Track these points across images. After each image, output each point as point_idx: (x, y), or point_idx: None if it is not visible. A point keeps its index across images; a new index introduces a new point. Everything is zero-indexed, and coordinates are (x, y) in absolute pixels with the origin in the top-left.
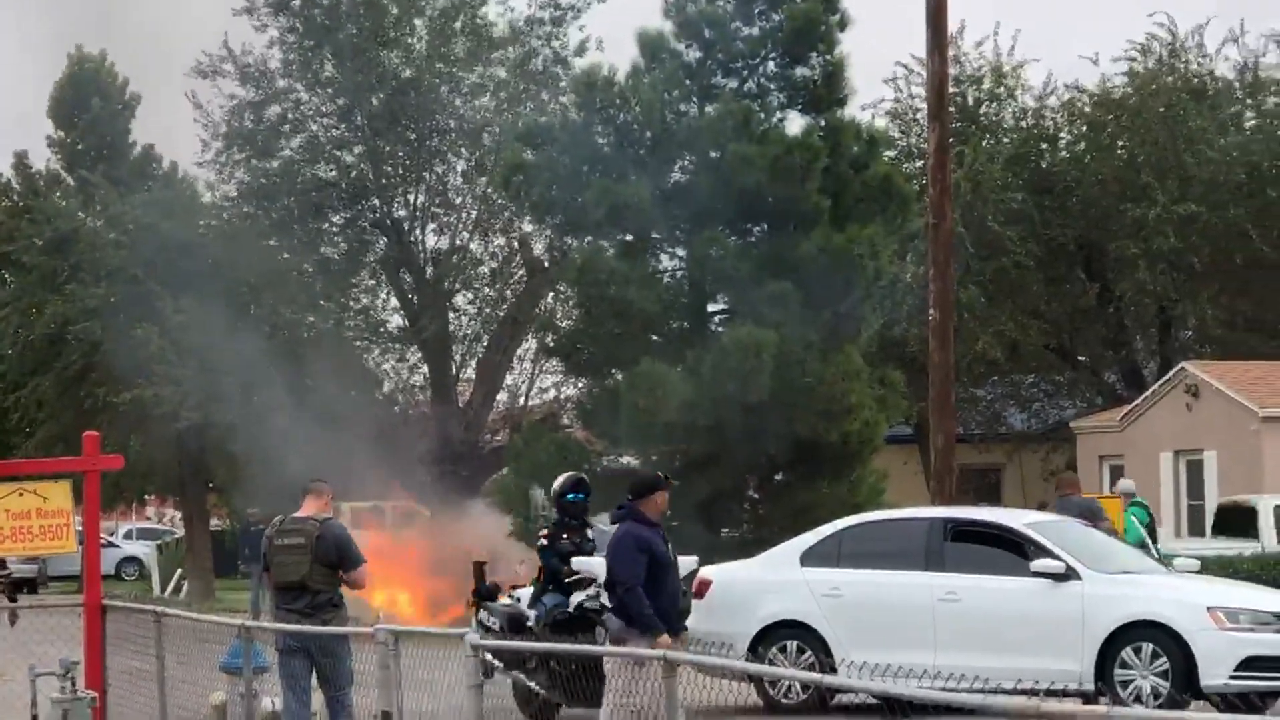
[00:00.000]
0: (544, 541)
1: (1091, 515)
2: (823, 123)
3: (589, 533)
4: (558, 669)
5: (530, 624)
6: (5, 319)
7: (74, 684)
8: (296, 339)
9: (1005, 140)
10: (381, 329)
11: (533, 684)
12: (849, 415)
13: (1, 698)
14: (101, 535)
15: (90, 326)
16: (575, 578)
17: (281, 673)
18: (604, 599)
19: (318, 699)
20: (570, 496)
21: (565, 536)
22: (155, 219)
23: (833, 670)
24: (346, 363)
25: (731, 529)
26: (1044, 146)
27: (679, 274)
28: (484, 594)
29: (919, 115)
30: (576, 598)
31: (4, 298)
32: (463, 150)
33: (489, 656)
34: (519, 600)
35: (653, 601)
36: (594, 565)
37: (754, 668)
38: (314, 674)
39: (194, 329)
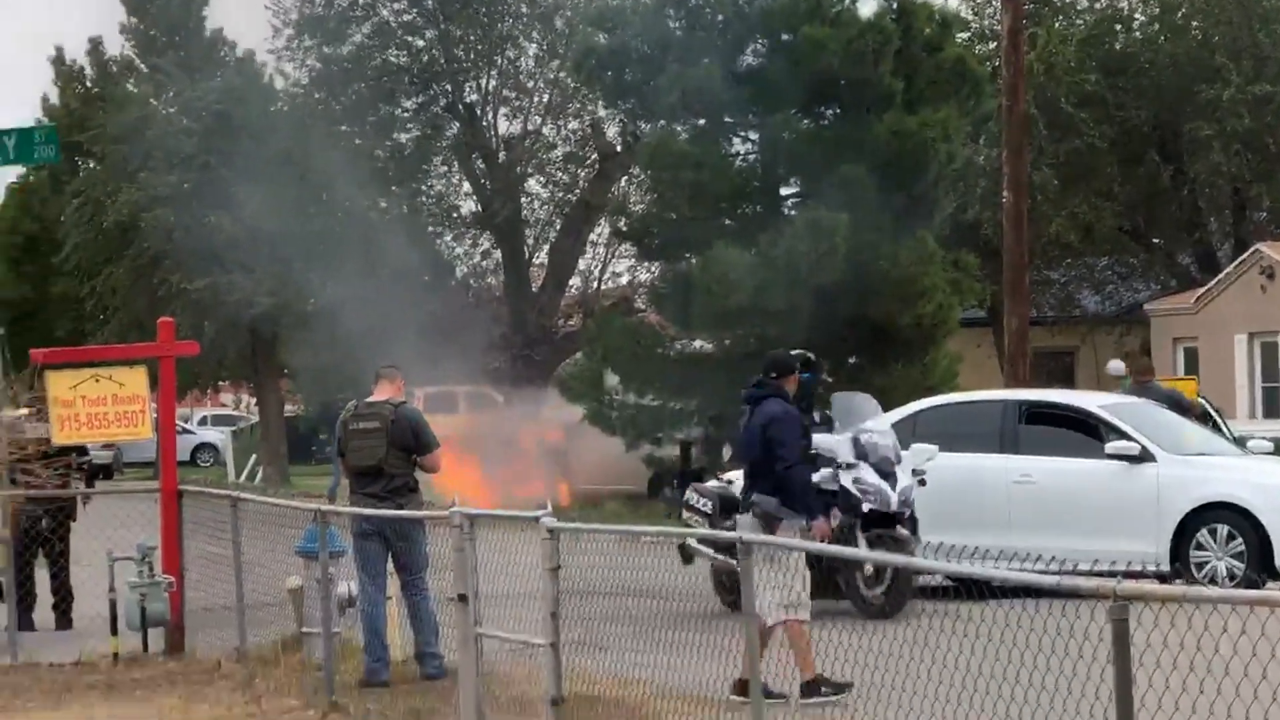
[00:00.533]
0: None
1: (1177, 405)
2: (895, 5)
3: (815, 415)
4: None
5: None
6: (79, 208)
7: (151, 568)
8: (369, 225)
9: (1078, 22)
10: (454, 214)
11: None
12: (922, 298)
13: (80, 582)
14: (176, 422)
15: (163, 214)
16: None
17: (357, 557)
18: (845, 481)
19: (393, 584)
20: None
21: None
22: (227, 105)
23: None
24: (419, 248)
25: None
26: (1117, 28)
27: (751, 158)
28: (691, 475)
29: None
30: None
31: (77, 186)
32: (534, 34)
33: (693, 542)
34: (731, 483)
35: None
36: (835, 445)
37: (828, 549)
38: (390, 558)
39: (266, 215)
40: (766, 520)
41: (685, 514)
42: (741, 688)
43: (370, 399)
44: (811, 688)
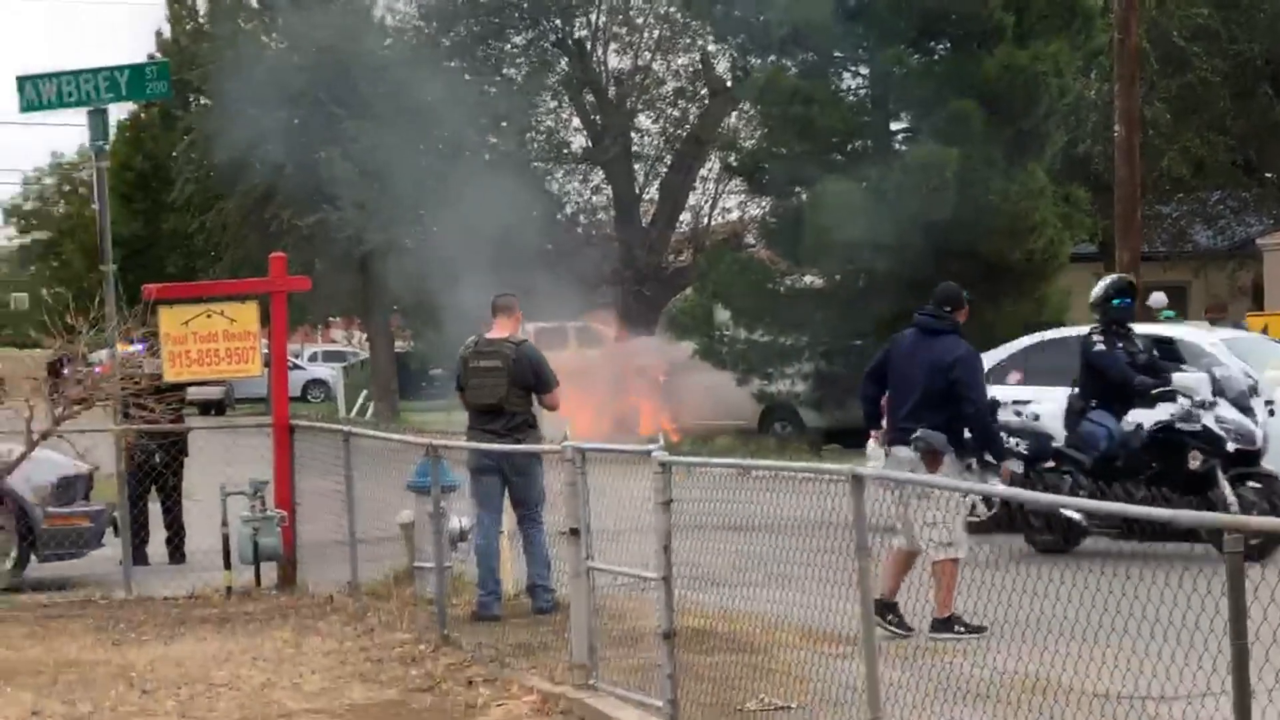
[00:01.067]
0: (1100, 347)
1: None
2: None
3: (1138, 341)
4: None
5: (1085, 449)
6: (190, 144)
7: (263, 502)
8: (479, 161)
9: None
10: (565, 150)
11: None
12: (1033, 233)
13: (192, 518)
14: (288, 357)
15: (273, 150)
16: (1159, 391)
17: (474, 492)
18: (1207, 420)
19: (509, 519)
20: (1117, 301)
21: (1120, 346)
22: (336, 41)
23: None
24: (529, 184)
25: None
26: None
27: (862, 92)
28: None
29: None
30: (1159, 415)
31: (188, 122)
32: None
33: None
34: (1036, 417)
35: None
36: (1192, 381)
37: (941, 481)
38: (506, 493)
39: (377, 151)
40: (931, 456)
41: None
42: (883, 608)
43: (490, 335)
44: (944, 624)
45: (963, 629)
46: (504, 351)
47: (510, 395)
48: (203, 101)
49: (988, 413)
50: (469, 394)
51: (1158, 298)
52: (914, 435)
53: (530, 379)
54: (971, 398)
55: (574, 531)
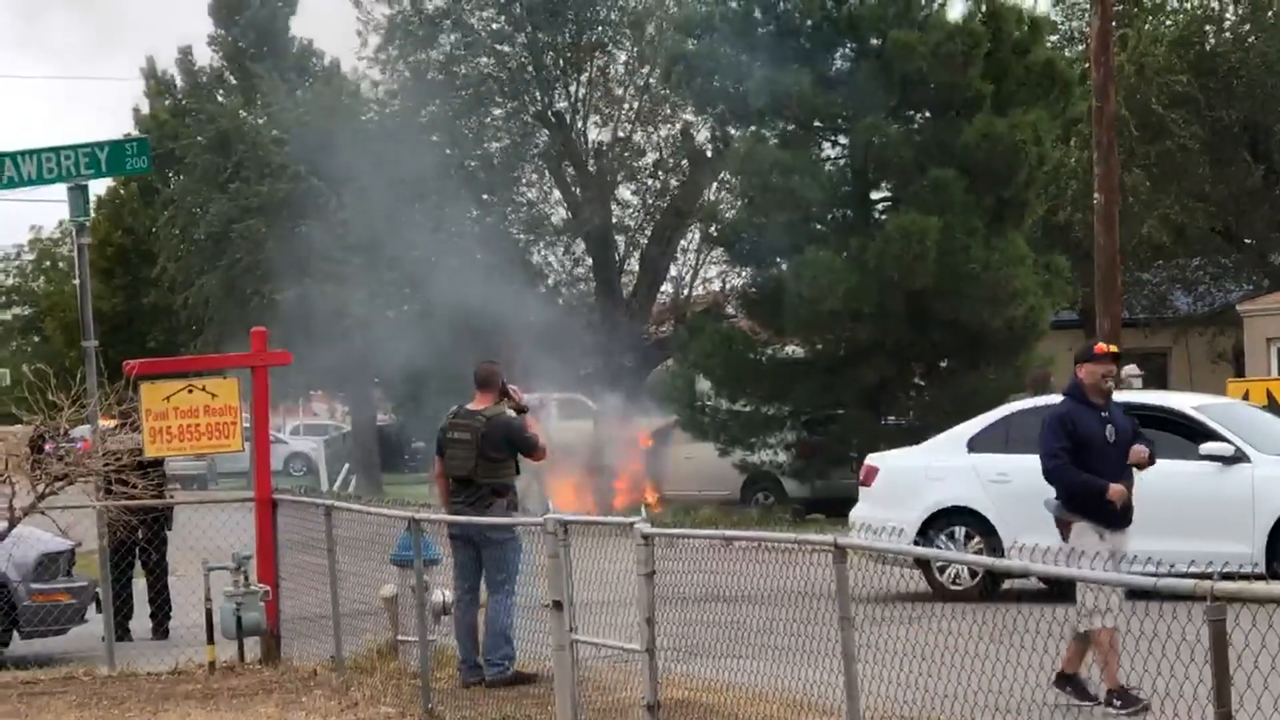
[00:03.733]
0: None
1: None
2: (984, 7)
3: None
4: None
5: None
6: (170, 219)
7: (246, 577)
8: (461, 234)
9: (1168, 22)
10: (545, 222)
11: None
12: (1014, 301)
13: (176, 592)
14: (270, 431)
15: (254, 224)
16: None
17: (455, 563)
18: None
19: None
20: None
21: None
22: (316, 115)
23: (1001, 555)
24: (511, 256)
25: (897, 416)
26: (1208, 28)
27: (841, 162)
28: None
29: None
30: None
31: (168, 196)
32: (624, 40)
33: None
34: None
35: None
36: None
37: (924, 551)
38: (480, 564)
39: (358, 225)
40: (1060, 524)
41: None
42: (1062, 680)
43: (471, 406)
44: (1110, 696)
45: (1119, 704)
46: (475, 424)
47: (479, 467)
48: (182, 176)
49: (1057, 470)
50: (446, 465)
51: (1130, 368)
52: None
53: (504, 449)
54: (1041, 456)
55: (557, 604)
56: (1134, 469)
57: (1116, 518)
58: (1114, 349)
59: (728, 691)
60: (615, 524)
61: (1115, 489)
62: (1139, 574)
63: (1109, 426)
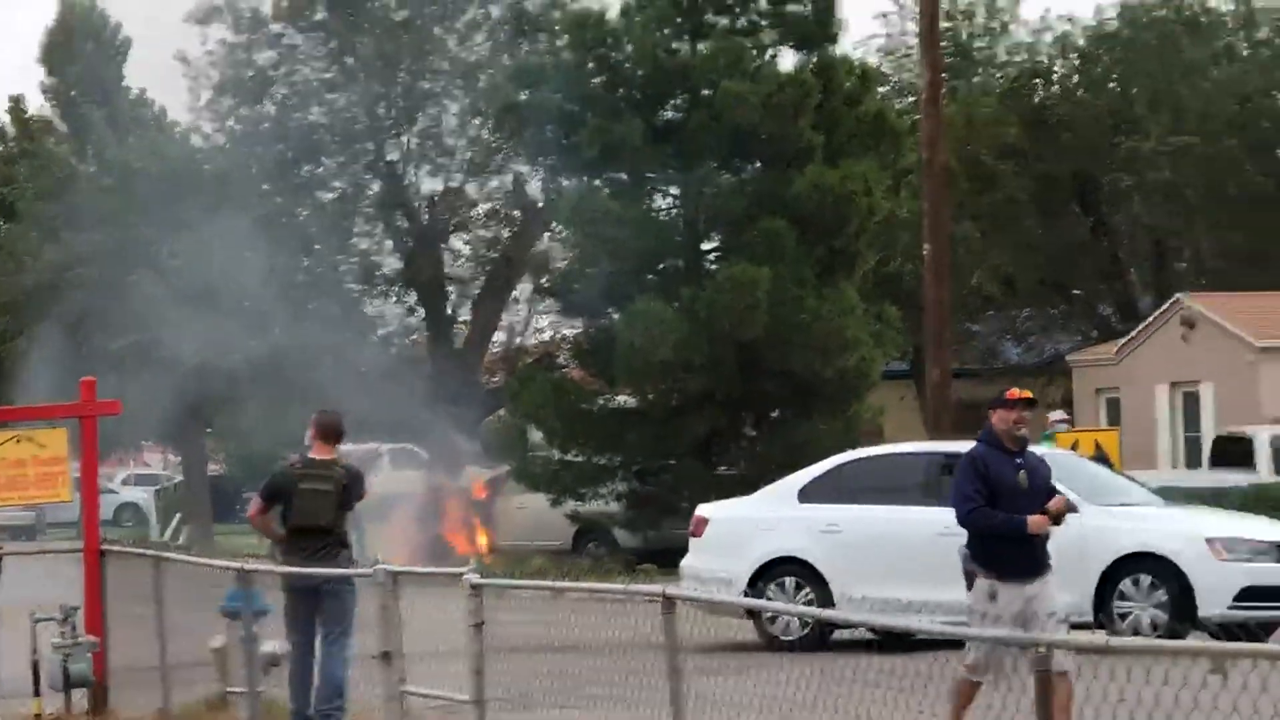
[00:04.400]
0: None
1: None
2: (815, 59)
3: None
4: None
5: None
6: (0, 266)
7: (74, 629)
8: (293, 284)
9: (998, 75)
10: (377, 272)
11: None
12: (845, 351)
13: (3, 643)
14: (99, 481)
15: (85, 273)
16: None
17: (286, 615)
18: None
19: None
20: None
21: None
22: (149, 164)
23: (830, 606)
24: (343, 306)
25: (729, 466)
26: (1037, 81)
27: (673, 212)
28: None
29: (911, 51)
30: None
31: None
32: (456, 92)
33: None
34: None
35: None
36: None
37: (753, 603)
38: (317, 615)
39: (190, 274)
40: (966, 576)
41: None
42: None
43: (317, 456)
44: None
45: None
46: (335, 475)
47: (337, 517)
48: (11, 225)
49: (971, 515)
50: (297, 516)
51: (1057, 414)
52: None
53: (355, 500)
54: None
55: (386, 655)
56: (1055, 521)
57: (1027, 567)
58: (1027, 395)
59: None
60: (445, 575)
61: (1037, 519)
62: (963, 624)
63: (1023, 473)
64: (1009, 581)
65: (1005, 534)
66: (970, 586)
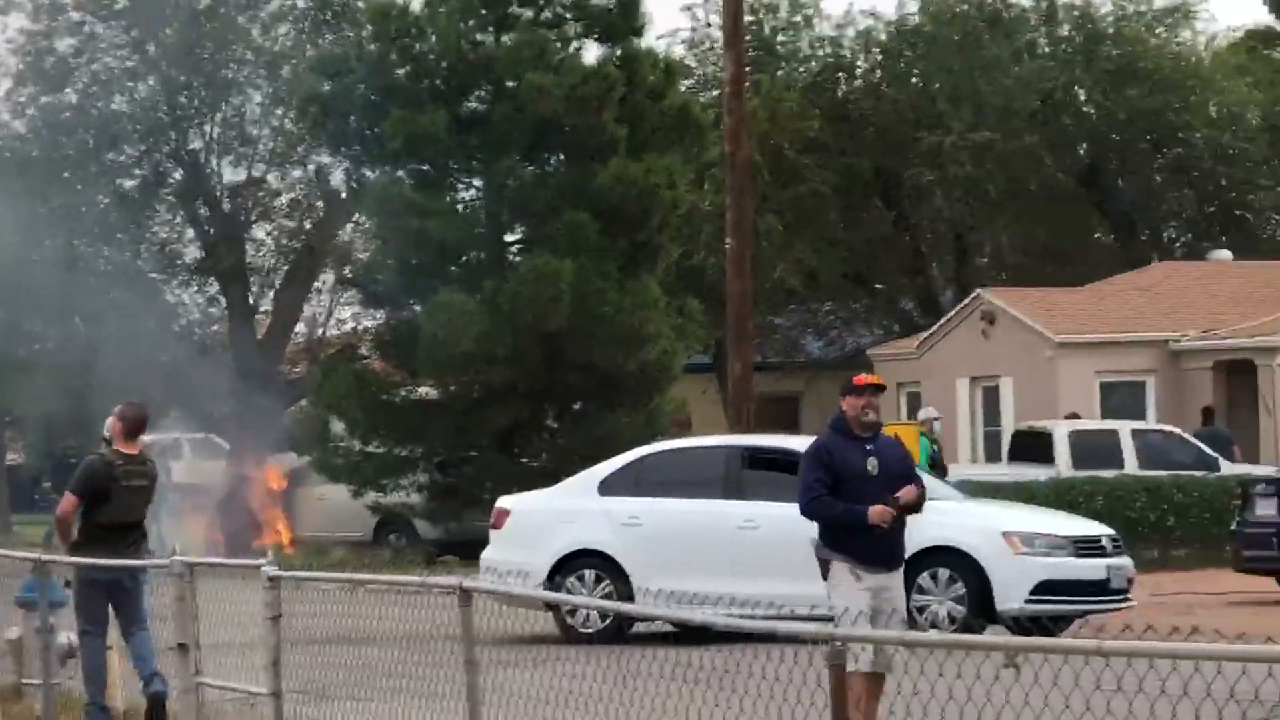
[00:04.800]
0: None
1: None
2: (619, 52)
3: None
4: None
5: None
6: None
7: None
8: (94, 272)
9: (802, 69)
10: (178, 262)
11: None
12: (647, 344)
13: None
14: None
15: None
16: None
17: (81, 607)
18: None
19: (113, 633)
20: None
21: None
22: None
23: (630, 599)
24: (145, 295)
25: (530, 459)
26: (840, 75)
27: (476, 204)
28: None
29: (716, 44)
30: None
31: None
32: (260, 81)
33: None
34: None
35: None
36: None
37: (552, 595)
38: (113, 608)
39: None
40: (821, 565)
41: None
42: None
43: (128, 450)
44: None
45: None
46: (149, 471)
47: (147, 513)
48: None
49: (811, 504)
50: (113, 511)
51: (929, 410)
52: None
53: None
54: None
55: (183, 646)
56: (904, 511)
57: (877, 556)
58: (875, 379)
59: None
60: (242, 566)
61: (876, 510)
62: (763, 618)
63: (871, 460)
64: (861, 567)
65: (848, 525)
66: (825, 575)
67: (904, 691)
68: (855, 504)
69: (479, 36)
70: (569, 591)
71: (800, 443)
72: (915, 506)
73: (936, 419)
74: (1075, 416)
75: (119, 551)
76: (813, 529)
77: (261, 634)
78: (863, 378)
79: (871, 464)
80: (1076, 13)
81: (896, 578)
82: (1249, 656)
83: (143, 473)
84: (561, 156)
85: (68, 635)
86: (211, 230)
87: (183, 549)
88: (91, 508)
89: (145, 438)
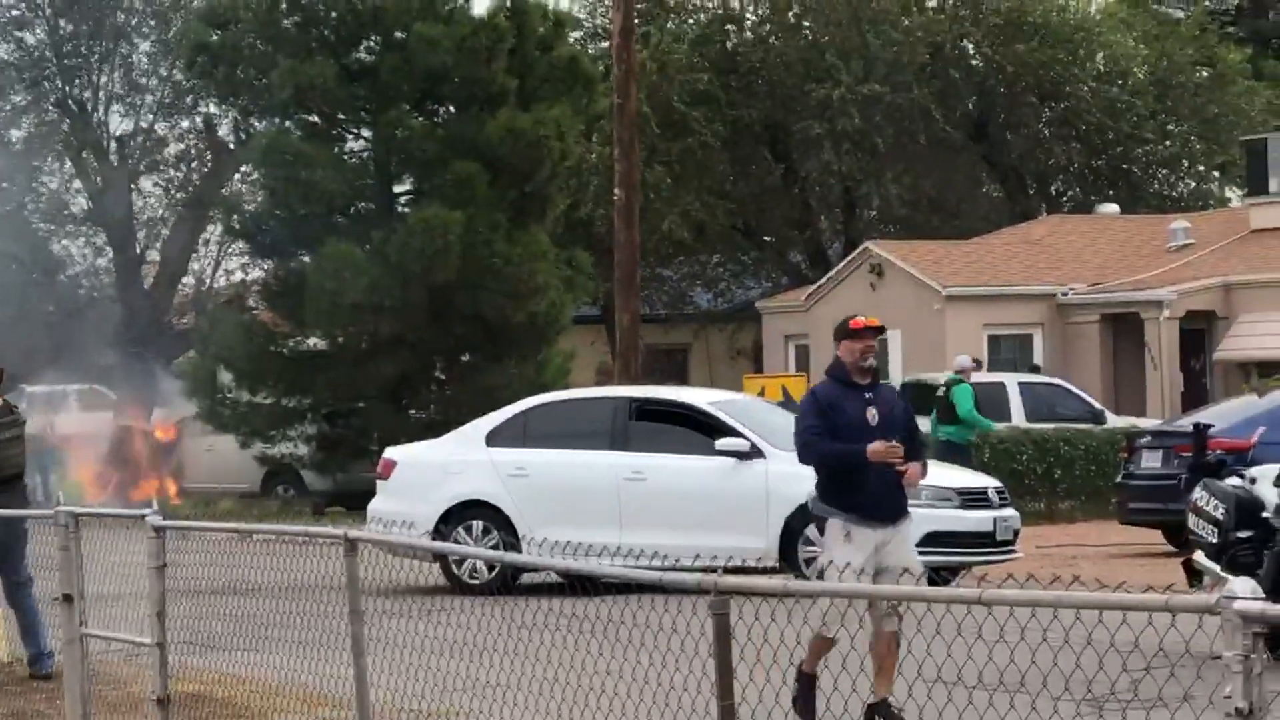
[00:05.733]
0: None
1: None
2: (509, 4)
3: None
4: None
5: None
6: None
7: None
8: None
9: (690, 21)
10: (66, 212)
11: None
12: (536, 296)
13: None
14: None
15: None
16: None
17: None
18: None
19: None
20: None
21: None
22: None
23: (517, 550)
24: (31, 246)
25: (419, 410)
26: (729, 28)
27: (365, 155)
28: (1205, 467)
29: None
30: None
31: None
32: (148, 30)
33: (1200, 557)
34: (1254, 482)
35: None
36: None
37: (438, 545)
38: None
39: None
40: (817, 523)
41: (1190, 519)
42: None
43: None
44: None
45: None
46: (19, 420)
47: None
48: None
49: (805, 447)
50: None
51: (963, 358)
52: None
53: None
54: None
55: (67, 598)
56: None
57: (875, 509)
58: (874, 322)
59: (241, 685)
60: (127, 517)
61: (875, 447)
62: (649, 568)
63: (871, 409)
64: (857, 523)
65: (845, 465)
66: (822, 531)
67: (787, 641)
68: None
69: None
70: (456, 542)
71: (690, 394)
72: (915, 480)
73: (974, 367)
74: (1037, 370)
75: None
76: (696, 480)
77: (146, 585)
78: (859, 320)
79: (871, 414)
80: None
81: (901, 531)
82: (1129, 605)
83: (13, 423)
84: (451, 108)
85: None
86: (99, 180)
87: (68, 500)
88: None
89: (35, 388)
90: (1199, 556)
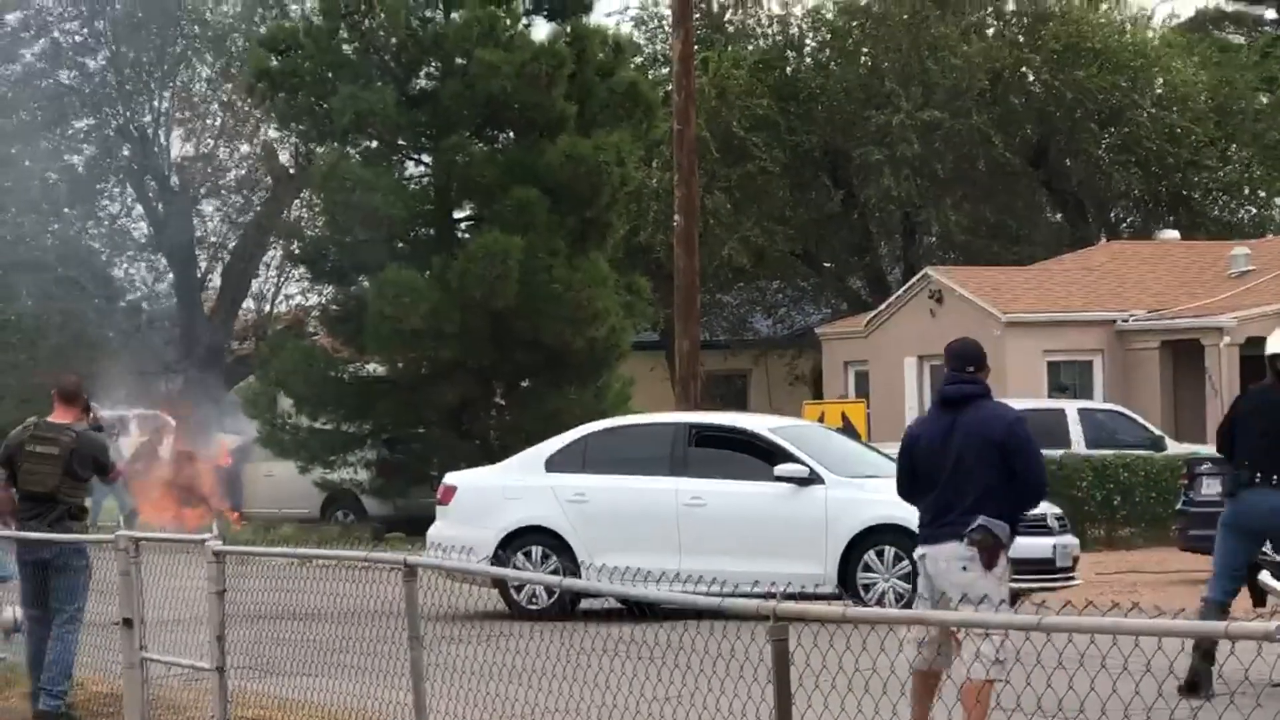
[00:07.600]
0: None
1: None
2: (569, 29)
3: None
4: None
5: None
6: None
7: None
8: (41, 247)
9: (750, 47)
10: (127, 237)
11: None
12: (595, 321)
13: None
14: None
15: None
16: None
17: (24, 585)
18: None
19: None
20: None
21: None
22: None
23: (577, 575)
24: (92, 270)
25: (478, 436)
26: (789, 53)
27: (425, 181)
28: None
29: (665, 22)
30: None
31: None
32: (208, 56)
33: (1265, 576)
34: None
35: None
36: None
37: (497, 571)
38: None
39: None
40: (991, 552)
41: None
42: None
43: (52, 419)
44: None
45: None
46: (63, 439)
47: (63, 485)
48: None
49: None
50: (21, 480)
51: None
52: (972, 526)
53: (90, 469)
54: (1032, 467)
55: (127, 622)
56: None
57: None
58: None
59: (300, 710)
60: (187, 541)
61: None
62: (707, 594)
63: None
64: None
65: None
66: (993, 564)
67: (846, 667)
68: None
69: (428, 12)
70: (516, 567)
71: (749, 420)
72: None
73: None
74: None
75: (34, 526)
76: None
77: (206, 609)
78: None
79: None
80: None
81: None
82: (1188, 632)
83: (53, 440)
84: (511, 133)
85: (13, 609)
86: (160, 206)
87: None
88: (12, 479)
89: (104, 414)
90: (1264, 576)
